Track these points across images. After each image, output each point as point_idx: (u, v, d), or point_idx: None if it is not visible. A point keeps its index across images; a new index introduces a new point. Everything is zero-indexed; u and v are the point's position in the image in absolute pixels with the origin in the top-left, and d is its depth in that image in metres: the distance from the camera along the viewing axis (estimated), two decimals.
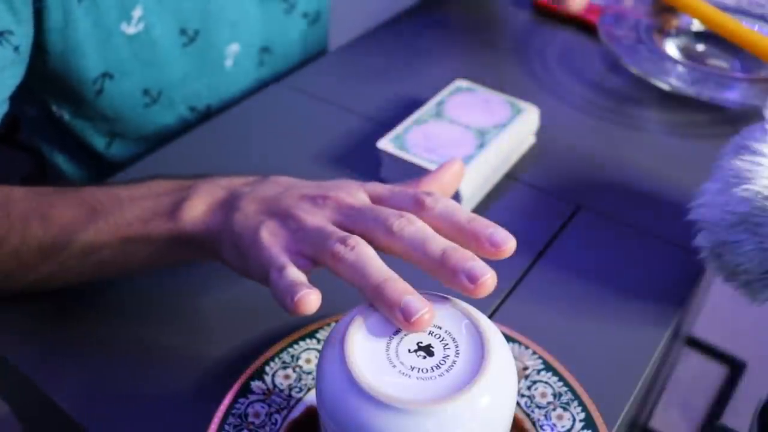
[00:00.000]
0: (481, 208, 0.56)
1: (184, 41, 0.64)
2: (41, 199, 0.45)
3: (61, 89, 0.61)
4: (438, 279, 0.33)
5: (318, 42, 0.81)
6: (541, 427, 0.39)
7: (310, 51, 0.80)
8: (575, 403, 0.40)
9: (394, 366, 0.29)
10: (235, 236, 0.39)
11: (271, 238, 0.38)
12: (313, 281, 0.50)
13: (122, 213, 0.43)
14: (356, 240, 0.35)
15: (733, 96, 0.65)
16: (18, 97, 0.53)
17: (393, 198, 0.39)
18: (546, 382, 0.41)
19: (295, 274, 0.35)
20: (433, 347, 0.30)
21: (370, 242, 0.35)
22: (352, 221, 0.37)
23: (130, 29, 0.59)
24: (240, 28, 0.68)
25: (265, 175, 0.44)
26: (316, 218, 0.38)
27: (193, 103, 0.69)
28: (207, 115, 0.71)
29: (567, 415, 0.39)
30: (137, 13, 0.59)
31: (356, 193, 0.40)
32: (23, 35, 0.50)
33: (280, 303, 0.35)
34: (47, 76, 0.59)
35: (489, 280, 0.31)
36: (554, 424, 0.39)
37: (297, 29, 0.76)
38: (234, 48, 0.69)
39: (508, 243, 0.34)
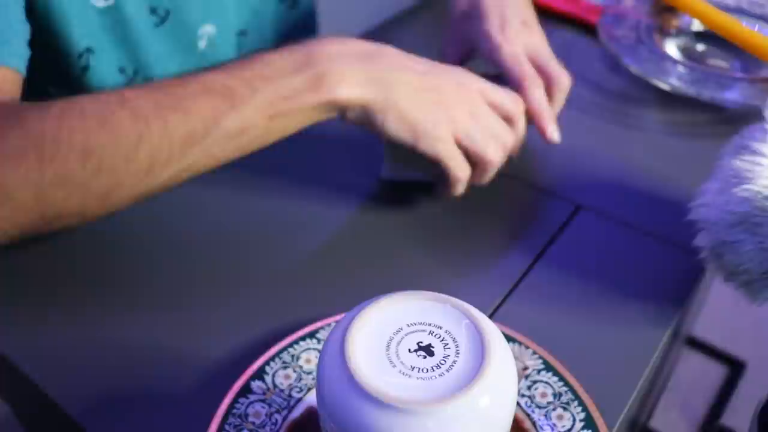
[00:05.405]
0: (482, 208, 0.56)
1: (156, 21, 0.63)
2: (160, 94, 0.45)
3: (56, 68, 0.61)
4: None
5: (299, 27, 0.80)
6: (541, 427, 0.39)
7: (289, 36, 0.79)
8: (575, 403, 0.40)
9: (395, 366, 0.29)
10: (403, 116, 0.48)
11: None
12: (314, 280, 0.50)
13: (261, 95, 0.45)
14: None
15: (733, 96, 0.65)
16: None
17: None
18: (546, 382, 0.41)
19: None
20: (433, 347, 0.30)
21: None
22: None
23: (100, 2, 0.58)
24: (213, 8, 0.67)
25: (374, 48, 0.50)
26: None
27: None
28: None
29: (567, 415, 0.39)
30: None
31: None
32: None
33: None
34: (41, 51, 0.59)
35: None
36: (554, 424, 0.39)
37: (272, 12, 0.74)
38: (208, 29, 0.67)
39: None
